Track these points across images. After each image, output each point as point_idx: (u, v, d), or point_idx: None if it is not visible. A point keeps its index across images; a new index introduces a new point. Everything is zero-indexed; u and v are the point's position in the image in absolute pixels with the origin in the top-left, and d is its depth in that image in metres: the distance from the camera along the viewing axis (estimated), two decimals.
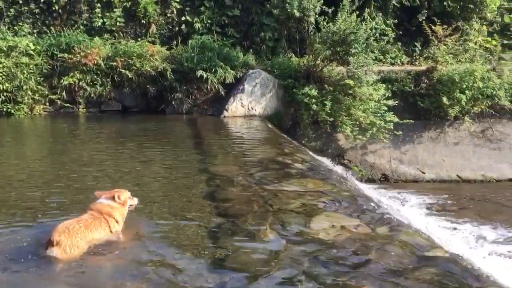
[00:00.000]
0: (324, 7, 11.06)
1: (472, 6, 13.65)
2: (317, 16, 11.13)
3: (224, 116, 11.02)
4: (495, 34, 14.42)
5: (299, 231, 3.50)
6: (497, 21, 14.73)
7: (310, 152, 8.08)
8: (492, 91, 11.24)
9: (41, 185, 5.19)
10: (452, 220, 8.54)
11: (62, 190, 4.90)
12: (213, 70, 11.27)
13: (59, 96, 11.62)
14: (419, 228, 3.99)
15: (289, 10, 10.89)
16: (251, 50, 12.77)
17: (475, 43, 13.50)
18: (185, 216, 3.96)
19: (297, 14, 10.92)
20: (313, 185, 4.75)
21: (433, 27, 12.22)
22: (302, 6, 10.89)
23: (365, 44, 10.65)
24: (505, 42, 14.24)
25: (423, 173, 11.61)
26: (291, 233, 3.48)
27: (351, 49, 10.70)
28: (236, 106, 11.17)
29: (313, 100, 10.75)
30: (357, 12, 10.88)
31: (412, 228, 3.78)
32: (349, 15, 10.83)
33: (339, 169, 9.79)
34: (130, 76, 11.39)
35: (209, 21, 13.24)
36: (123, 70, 11.39)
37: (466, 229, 8.16)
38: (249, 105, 11.24)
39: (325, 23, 10.86)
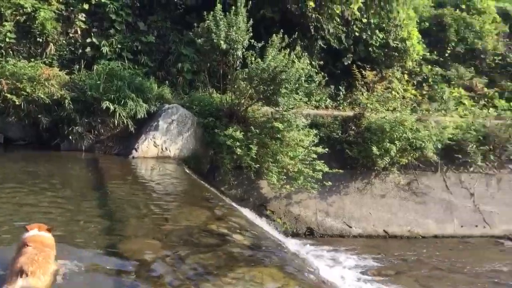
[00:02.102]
0: (252, 40, 10.03)
1: (396, 54, 13.47)
2: (244, 50, 10.07)
3: (133, 157, 9.35)
4: (413, 84, 14.45)
5: None
6: (416, 71, 14.75)
7: (244, 211, 6.74)
8: (421, 143, 10.80)
9: None
10: None
11: None
12: (122, 102, 9.61)
13: None
14: None
15: (215, 41, 9.66)
16: (167, 82, 11.28)
17: (397, 91, 13.30)
18: None
19: (224, 46, 9.73)
20: (272, 280, 3.41)
21: (363, 71, 11.69)
22: (229, 37, 9.73)
23: (296, 85, 9.71)
24: (424, 92, 14.21)
25: (350, 227, 10.76)
26: None
27: (281, 89, 9.69)
28: (148, 146, 9.57)
29: (237, 143, 9.50)
30: (288, 50, 9.98)
31: None
32: (278, 52, 9.90)
33: (263, 223, 8.64)
34: (17, 103, 9.33)
35: (119, 46, 11.59)
36: (9, 95, 9.31)
37: None
38: (163, 145, 9.70)
39: (253, 59, 9.80)
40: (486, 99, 15.02)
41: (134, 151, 9.45)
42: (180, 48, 11.98)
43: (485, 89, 15.27)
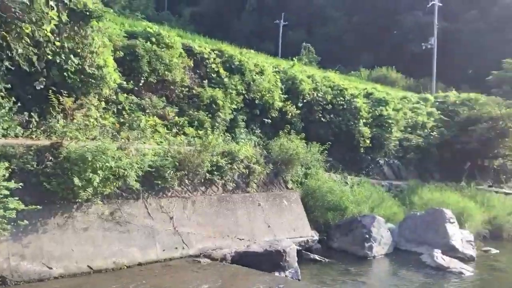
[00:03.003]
0: None
1: (93, 80, 13.10)
2: None
3: None
4: (112, 112, 14.39)
5: None
6: (113, 99, 14.71)
7: None
8: (124, 171, 10.74)
9: None
10: None
11: None
12: None
13: None
14: None
15: None
16: None
17: (96, 119, 12.97)
18: None
19: None
20: None
21: (60, 98, 10.88)
22: None
23: None
24: (123, 120, 14.28)
25: (50, 268, 9.75)
26: None
27: None
28: None
29: None
30: None
31: None
32: None
33: None
34: None
35: None
36: None
37: None
38: None
39: None
40: (177, 127, 16.16)
41: None
42: None
43: (176, 118, 16.43)
